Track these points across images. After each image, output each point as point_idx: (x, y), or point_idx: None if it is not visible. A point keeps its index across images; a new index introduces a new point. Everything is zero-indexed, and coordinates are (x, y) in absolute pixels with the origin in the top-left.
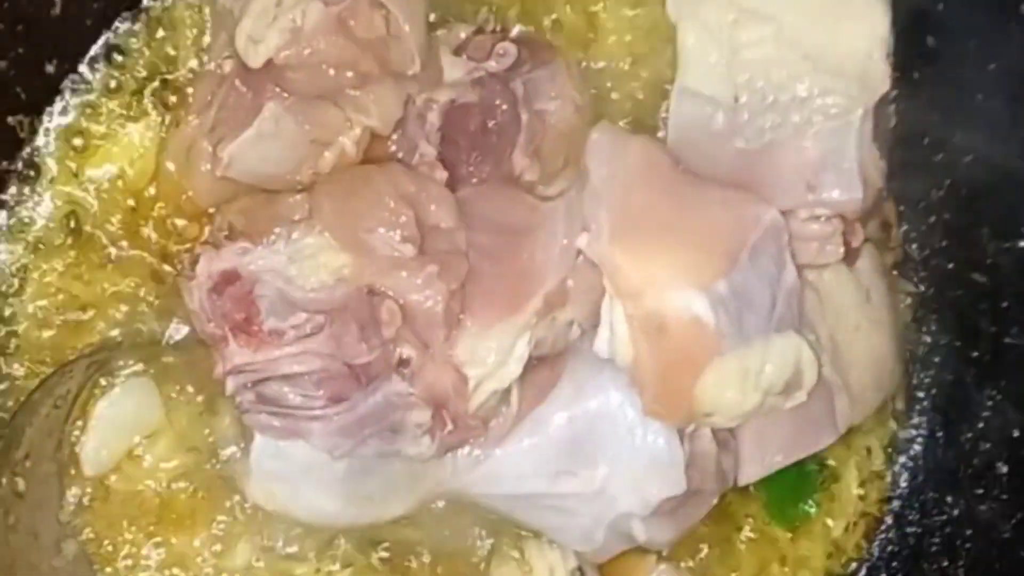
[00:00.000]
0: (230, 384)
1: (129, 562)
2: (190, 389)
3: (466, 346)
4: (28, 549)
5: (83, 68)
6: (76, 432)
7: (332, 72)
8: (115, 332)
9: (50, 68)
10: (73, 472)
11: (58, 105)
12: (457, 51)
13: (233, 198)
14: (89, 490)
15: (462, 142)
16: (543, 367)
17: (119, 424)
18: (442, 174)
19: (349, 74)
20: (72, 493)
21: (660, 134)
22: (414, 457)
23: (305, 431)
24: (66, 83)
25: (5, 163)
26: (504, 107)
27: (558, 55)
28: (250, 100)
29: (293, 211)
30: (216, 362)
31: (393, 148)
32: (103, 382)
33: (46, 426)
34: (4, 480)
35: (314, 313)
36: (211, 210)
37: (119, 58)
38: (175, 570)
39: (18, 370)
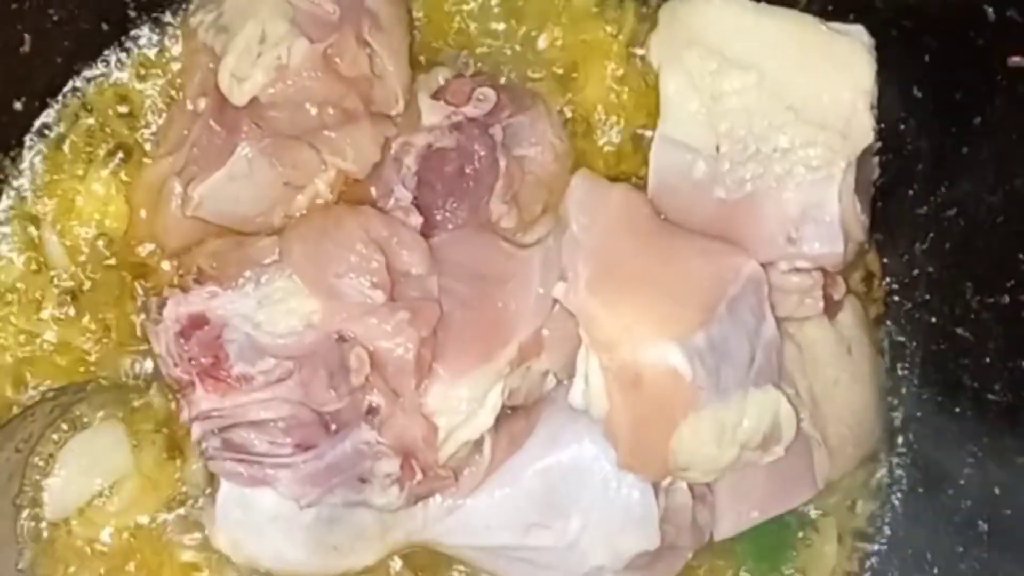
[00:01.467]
0: (196, 430)
1: None
2: (156, 434)
3: (437, 395)
4: None
5: (52, 107)
6: (36, 476)
7: (314, 111)
8: (80, 375)
9: (18, 106)
10: (33, 516)
11: (26, 144)
12: (435, 95)
13: (203, 240)
14: (47, 535)
15: (438, 187)
16: (517, 417)
17: (85, 467)
18: (417, 219)
19: (331, 112)
20: (31, 538)
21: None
22: (382, 507)
23: (272, 479)
24: (35, 122)
25: None
26: (482, 153)
27: (539, 101)
28: (223, 140)
29: (263, 254)
30: (182, 407)
31: (368, 191)
32: (67, 425)
33: (7, 469)
34: None
35: (283, 359)
36: (179, 253)
37: (86, 98)
38: None
39: None
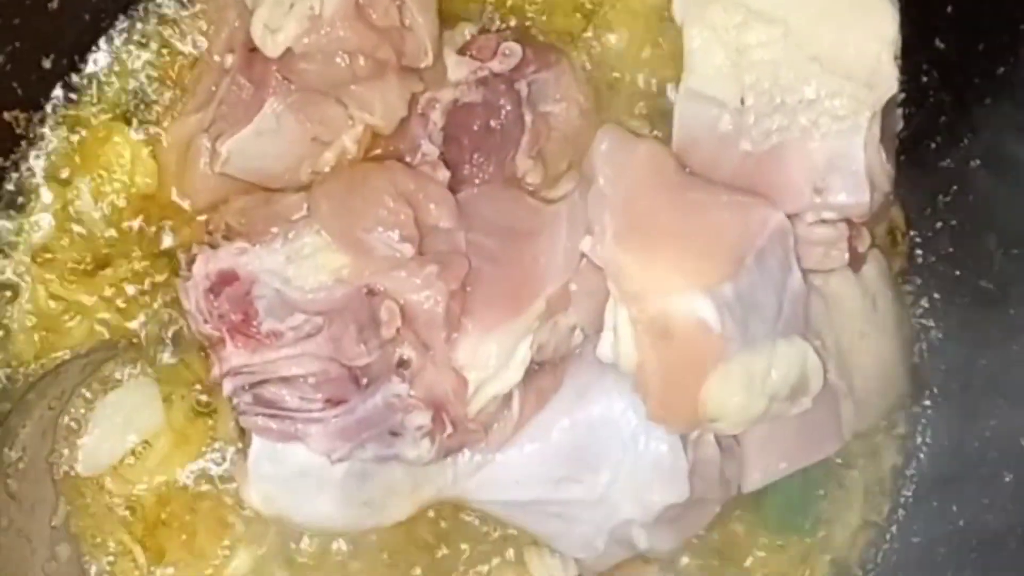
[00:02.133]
0: (227, 386)
1: (124, 568)
2: (187, 390)
3: (467, 349)
4: (20, 552)
5: (79, 65)
6: (69, 433)
7: (346, 62)
8: (111, 333)
9: (47, 64)
10: (66, 473)
11: (53, 103)
12: (461, 50)
13: (231, 197)
14: (84, 492)
15: (465, 142)
16: (545, 372)
17: (118, 425)
18: (444, 174)
19: (362, 63)
20: (65, 495)
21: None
22: (413, 461)
23: (303, 434)
24: (62, 80)
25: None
26: (508, 108)
27: (563, 56)
28: (251, 95)
29: (291, 210)
30: (213, 363)
31: (394, 147)
32: (98, 383)
33: (40, 427)
34: None
35: (312, 314)
36: (208, 210)
37: (114, 55)
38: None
39: (10, 372)
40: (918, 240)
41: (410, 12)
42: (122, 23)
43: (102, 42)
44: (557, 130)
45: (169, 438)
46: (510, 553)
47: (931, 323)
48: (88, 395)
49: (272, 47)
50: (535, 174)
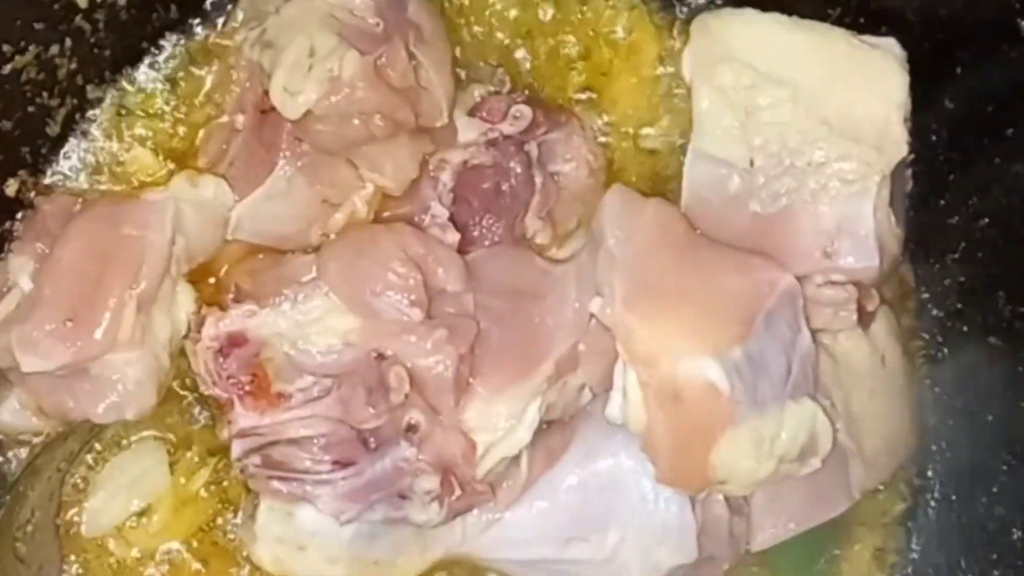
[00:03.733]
0: (236, 448)
1: None
2: (193, 454)
3: (476, 411)
4: None
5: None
6: (75, 495)
7: (362, 122)
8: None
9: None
10: (72, 535)
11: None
12: (471, 112)
13: (241, 259)
14: (88, 553)
15: (475, 204)
16: (554, 431)
17: (123, 487)
18: (454, 236)
19: (379, 123)
20: (70, 556)
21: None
22: (423, 524)
23: (312, 496)
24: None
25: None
26: (518, 169)
27: (573, 117)
28: (262, 158)
29: (300, 272)
30: (222, 425)
31: (404, 209)
32: (101, 446)
33: (48, 489)
34: (6, 545)
35: (322, 376)
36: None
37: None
38: None
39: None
40: (927, 296)
41: (426, 72)
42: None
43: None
44: (567, 190)
45: (173, 502)
46: None
47: (940, 379)
48: (90, 459)
49: (292, 109)
50: (544, 235)
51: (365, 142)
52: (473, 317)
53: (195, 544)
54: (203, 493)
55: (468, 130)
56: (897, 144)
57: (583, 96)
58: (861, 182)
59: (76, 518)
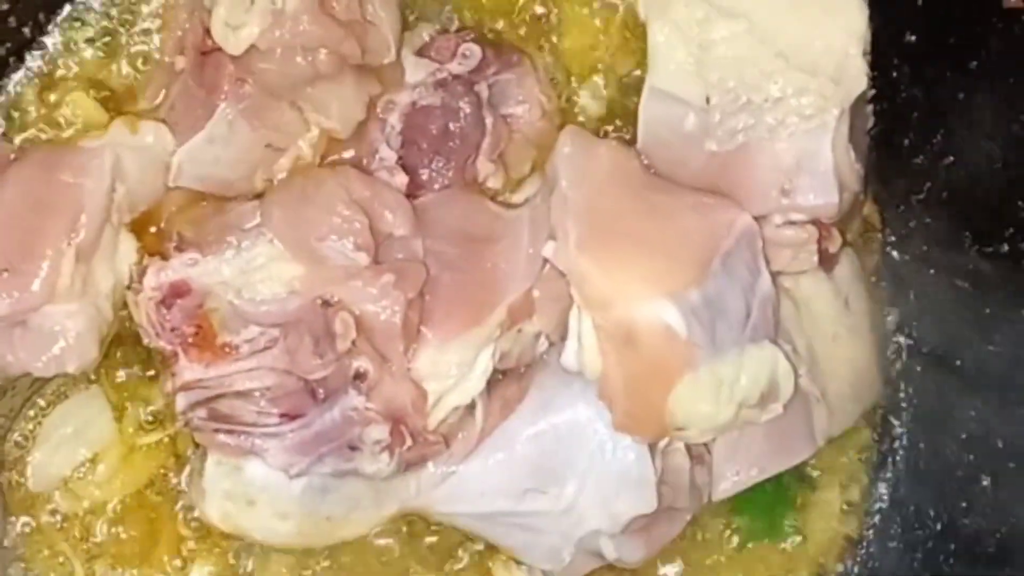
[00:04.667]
0: (181, 401)
1: None
2: (138, 403)
3: (426, 359)
4: None
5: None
6: (19, 451)
7: (307, 60)
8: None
9: None
10: (15, 493)
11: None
12: (419, 52)
13: (183, 207)
14: (35, 509)
15: (424, 146)
16: (509, 381)
17: (67, 438)
18: (402, 179)
19: (323, 58)
20: (14, 514)
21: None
22: (372, 475)
23: (260, 449)
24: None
25: None
26: (468, 110)
27: (525, 57)
28: (203, 100)
29: (244, 219)
30: (166, 378)
31: (351, 153)
32: (44, 401)
33: None
34: None
35: (268, 326)
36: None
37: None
38: None
39: None
40: (891, 239)
41: (372, 6)
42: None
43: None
44: (519, 133)
45: (120, 452)
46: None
47: (906, 323)
48: (37, 410)
49: (235, 44)
50: (496, 178)
51: (310, 81)
52: (422, 261)
53: (146, 496)
54: (152, 444)
55: (416, 71)
56: (856, 77)
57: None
58: (819, 116)
59: (19, 475)
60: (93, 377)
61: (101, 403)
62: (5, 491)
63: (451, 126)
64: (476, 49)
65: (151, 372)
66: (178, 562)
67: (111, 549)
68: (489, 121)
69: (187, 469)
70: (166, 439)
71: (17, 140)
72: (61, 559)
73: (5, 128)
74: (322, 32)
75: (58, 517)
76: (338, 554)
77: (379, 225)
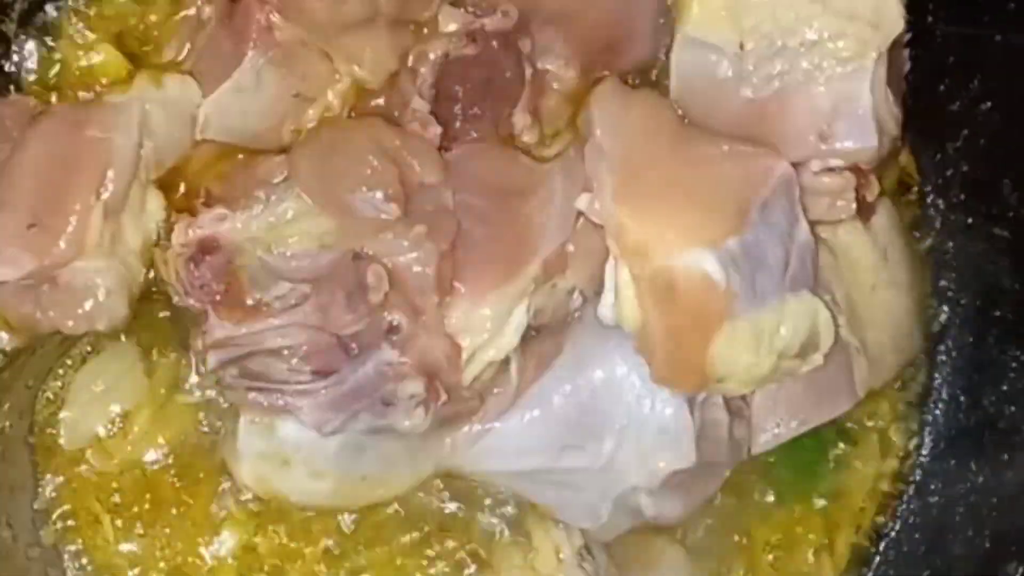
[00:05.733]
0: (212, 359)
1: (110, 546)
2: (171, 355)
3: (460, 314)
4: (2, 539)
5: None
6: (49, 410)
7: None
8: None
9: None
10: (47, 453)
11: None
12: (455, 2)
13: (211, 162)
14: (65, 470)
15: (459, 97)
16: (544, 337)
17: (99, 394)
18: (435, 130)
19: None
20: (47, 478)
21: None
22: (407, 431)
23: (293, 407)
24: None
25: None
26: (508, 64)
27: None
28: (230, 49)
29: (272, 173)
30: (196, 336)
31: (382, 104)
32: (71, 361)
33: (17, 407)
34: None
35: (298, 282)
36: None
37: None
38: (159, 553)
39: None
40: (929, 188)
41: None
42: None
43: None
44: (556, 88)
45: (152, 409)
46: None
47: (944, 274)
48: (67, 368)
49: None
50: (531, 132)
51: (345, 29)
52: (453, 212)
53: (180, 452)
54: (185, 399)
55: (451, 20)
56: (893, 19)
57: None
58: (857, 60)
59: (53, 433)
60: (123, 335)
61: (131, 359)
62: (38, 451)
63: (489, 78)
64: (514, 10)
65: (181, 332)
66: (211, 523)
67: (143, 508)
68: (528, 74)
69: (220, 429)
70: (199, 398)
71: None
72: (92, 519)
73: (31, 80)
74: None
75: (90, 476)
76: (373, 515)
77: (409, 175)
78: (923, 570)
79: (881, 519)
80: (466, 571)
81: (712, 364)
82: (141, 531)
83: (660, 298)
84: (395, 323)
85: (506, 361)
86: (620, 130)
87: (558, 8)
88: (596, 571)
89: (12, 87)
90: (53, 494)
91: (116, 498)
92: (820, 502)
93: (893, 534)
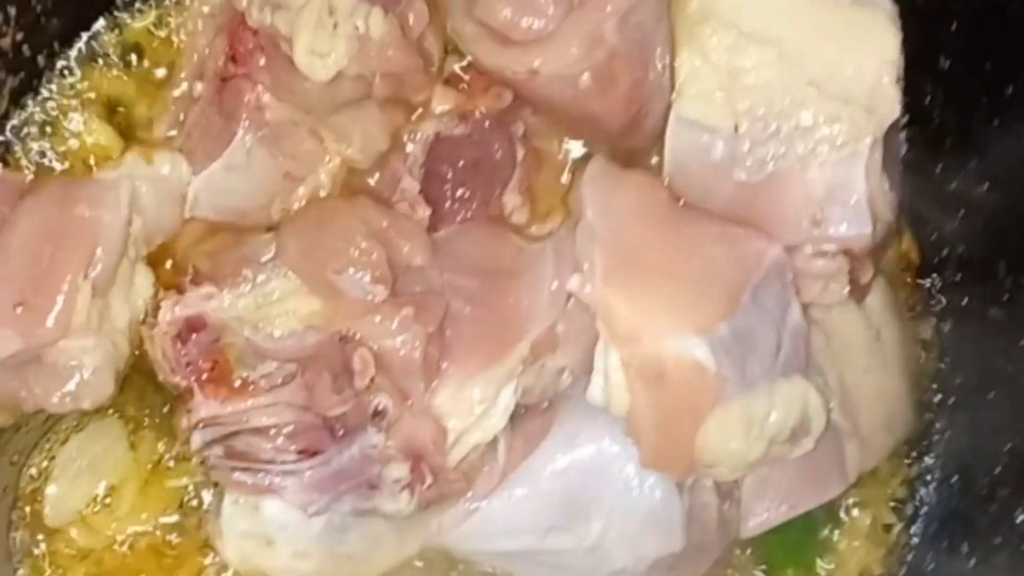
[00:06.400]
0: (196, 438)
1: None
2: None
3: (447, 395)
4: None
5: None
6: (34, 486)
7: (357, 83)
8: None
9: None
10: (29, 530)
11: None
12: (447, 81)
13: (200, 239)
14: (46, 548)
15: (448, 178)
16: (533, 416)
17: (84, 469)
18: (425, 211)
19: (378, 81)
20: (27, 553)
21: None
22: (392, 514)
23: (278, 487)
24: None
25: None
26: (499, 145)
27: None
28: (221, 127)
29: (260, 252)
30: (181, 415)
31: (371, 183)
32: (59, 437)
33: (1, 482)
34: None
35: (285, 362)
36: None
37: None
38: None
39: None
40: (924, 268)
41: (428, 39)
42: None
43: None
44: (549, 167)
45: (136, 485)
46: None
47: (939, 354)
48: (48, 447)
49: (323, 71)
50: (522, 212)
51: (336, 108)
52: (441, 293)
53: (164, 529)
54: (172, 483)
55: (443, 100)
56: (889, 104)
57: None
58: (852, 145)
59: (37, 509)
60: (109, 409)
61: (116, 433)
62: (20, 527)
63: (480, 158)
64: (508, 93)
65: (166, 408)
66: None
67: None
68: (520, 155)
69: (205, 506)
70: (184, 477)
71: (31, 169)
72: None
73: (18, 156)
74: (407, 60)
75: (73, 554)
76: None
77: (397, 256)
78: None
79: None
80: None
81: (702, 450)
82: None
83: (650, 383)
84: (381, 407)
85: (493, 442)
86: (611, 211)
87: (556, 98)
88: None
89: (1, 163)
90: (32, 570)
91: (97, 572)
92: None
93: None
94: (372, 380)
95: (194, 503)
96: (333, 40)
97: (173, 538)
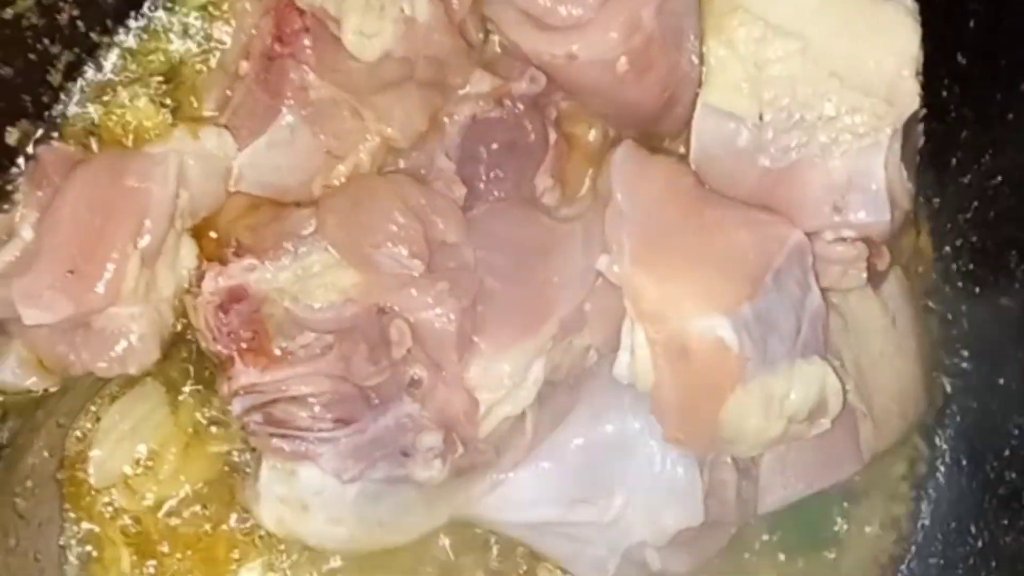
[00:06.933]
0: (237, 405)
1: None
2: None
3: (479, 369)
4: (28, 572)
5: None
6: (79, 448)
7: (401, 65)
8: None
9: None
10: (74, 491)
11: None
12: (486, 65)
13: (243, 213)
14: (91, 507)
15: (483, 159)
16: (560, 392)
17: (127, 432)
18: (460, 190)
19: (422, 63)
20: (74, 513)
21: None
22: (425, 481)
23: (314, 454)
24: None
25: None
26: (533, 128)
27: None
28: (266, 105)
29: (301, 226)
30: (222, 382)
31: (409, 162)
32: (102, 400)
33: (47, 445)
34: (5, 501)
35: (323, 333)
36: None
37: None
38: None
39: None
40: (939, 257)
41: (470, 22)
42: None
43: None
44: (579, 150)
45: (178, 449)
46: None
47: (951, 341)
48: (94, 410)
49: (370, 52)
50: (553, 194)
51: (378, 89)
52: (473, 270)
53: (205, 492)
54: (212, 448)
55: (479, 83)
56: (909, 97)
57: None
58: (872, 135)
59: (82, 471)
60: (150, 376)
61: (157, 399)
62: (66, 488)
63: (514, 141)
64: (542, 77)
65: (207, 375)
66: (233, 563)
67: (165, 544)
68: (553, 138)
69: (242, 471)
70: (224, 443)
71: (83, 141)
72: (117, 556)
73: (73, 128)
74: (451, 43)
75: (116, 515)
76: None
77: (432, 233)
78: None
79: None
80: None
81: (723, 427)
82: (162, 569)
83: (674, 361)
84: (416, 377)
85: (522, 415)
86: (639, 195)
87: (592, 83)
88: None
89: (55, 134)
90: (78, 530)
91: (138, 536)
92: (823, 560)
93: None
94: (408, 351)
95: (231, 468)
96: (381, 22)
97: (211, 501)
